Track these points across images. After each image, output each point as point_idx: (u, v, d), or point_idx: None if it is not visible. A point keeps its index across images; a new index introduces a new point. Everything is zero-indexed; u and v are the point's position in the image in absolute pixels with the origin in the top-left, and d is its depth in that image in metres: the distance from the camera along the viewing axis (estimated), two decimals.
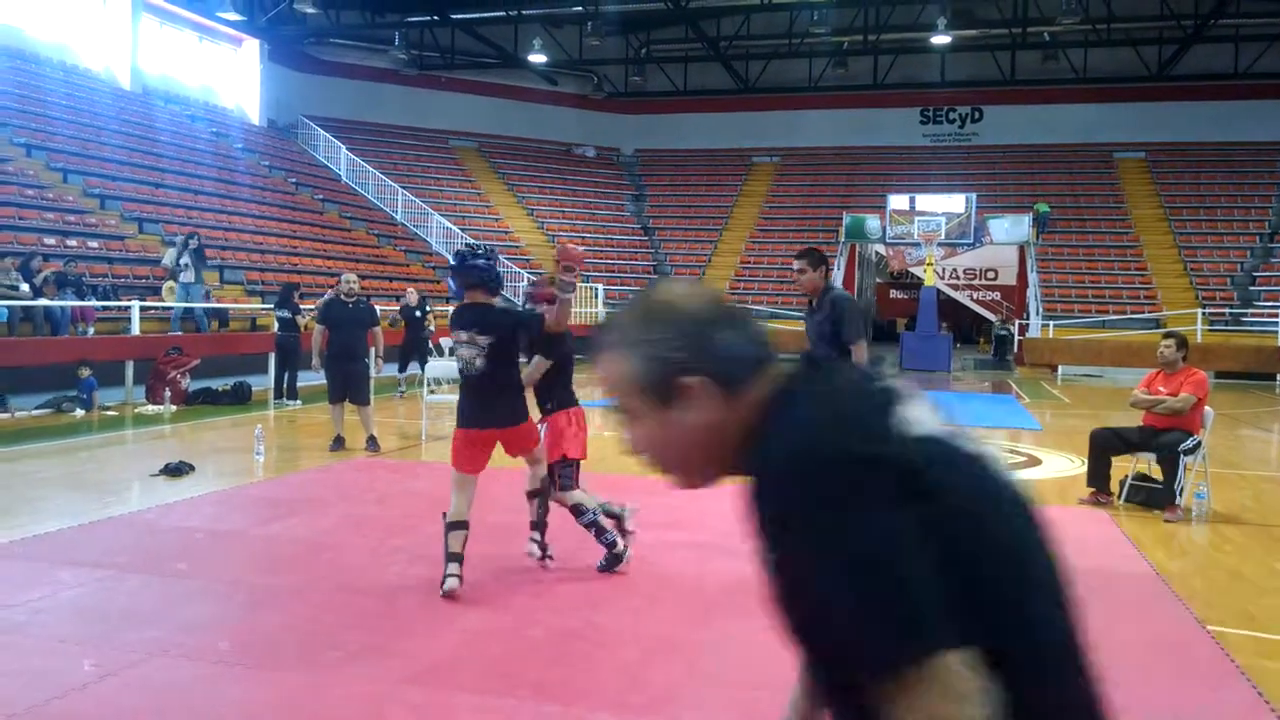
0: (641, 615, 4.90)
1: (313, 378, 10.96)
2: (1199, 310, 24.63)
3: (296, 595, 5.11)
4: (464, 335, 5.06)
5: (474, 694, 3.89)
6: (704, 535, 6.66)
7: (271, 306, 15.50)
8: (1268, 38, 29.89)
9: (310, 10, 27.18)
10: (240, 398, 13.77)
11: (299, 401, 13.75)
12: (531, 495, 5.70)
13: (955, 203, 28.77)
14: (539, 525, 5.71)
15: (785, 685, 3.96)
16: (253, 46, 29.52)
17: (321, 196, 26.73)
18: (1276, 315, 23.60)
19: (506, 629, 4.60)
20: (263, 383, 14.95)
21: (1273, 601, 5.39)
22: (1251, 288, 26.31)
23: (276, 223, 22.81)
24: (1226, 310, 25.40)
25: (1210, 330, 24.02)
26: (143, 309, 14.42)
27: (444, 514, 5.18)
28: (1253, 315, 24.97)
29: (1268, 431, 14.13)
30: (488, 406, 5.18)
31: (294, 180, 26.56)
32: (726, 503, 5.79)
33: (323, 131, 29.83)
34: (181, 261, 15.15)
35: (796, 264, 6.25)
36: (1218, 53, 30.51)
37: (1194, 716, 3.82)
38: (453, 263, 5.02)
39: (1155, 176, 31.50)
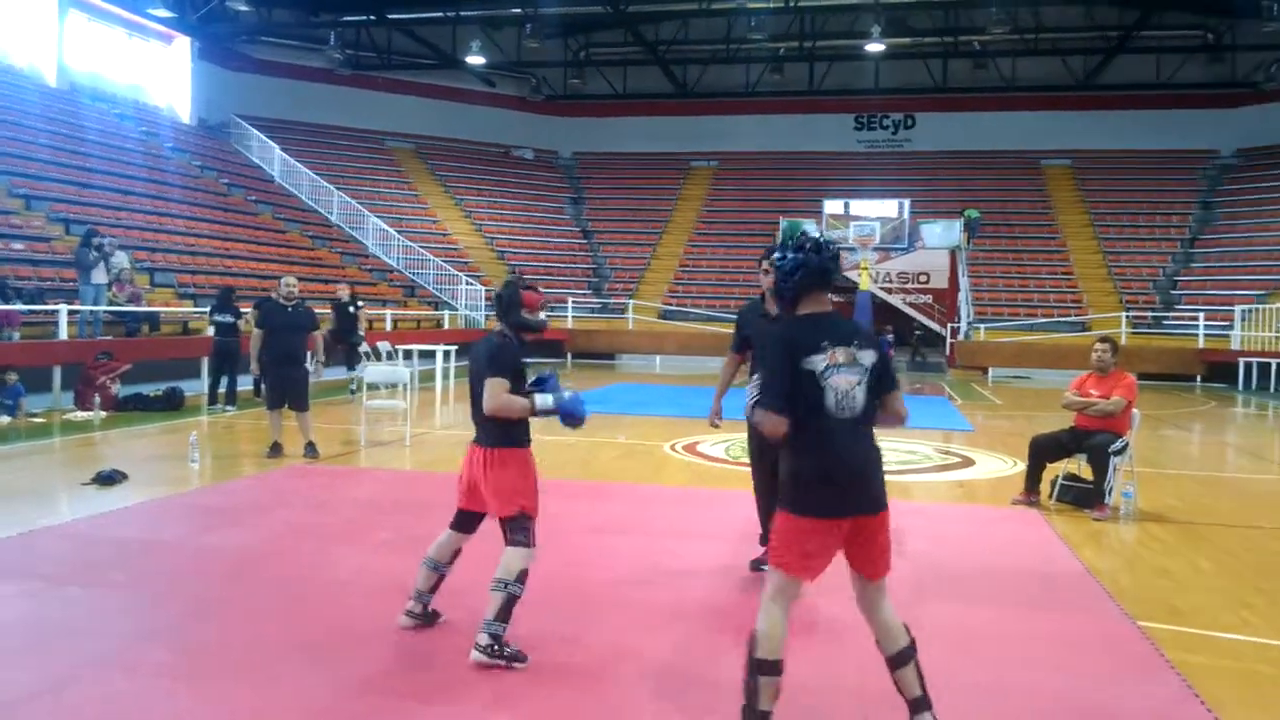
0: (592, 623, 4.92)
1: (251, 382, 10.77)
2: (1123, 314, 25.40)
3: (239, 605, 5.04)
4: (840, 354, 3.41)
5: (428, 704, 3.89)
6: (656, 540, 6.71)
7: (205, 310, 15.22)
8: (1188, 49, 30.90)
9: (243, 7, 26.78)
10: (173, 403, 13.48)
11: (234, 407, 13.52)
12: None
13: (889, 208, 29.28)
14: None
15: (736, 693, 3.95)
16: (183, 44, 28.95)
17: (254, 197, 26.28)
18: (1196, 319, 24.43)
19: (461, 637, 4.58)
20: (195, 388, 14.68)
21: (1198, 597, 5.59)
22: (1173, 291, 27.18)
23: (208, 224, 22.38)
24: (1149, 313, 26.22)
25: (1133, 333, 24.77)
26: (71, 313, 14.05)
27: (751, 646, 3.42)
28: (1174, 318, 25.81)
29: (1188, 431, 14.61)
30: (870, 473, 3.49)
31: (226, 181, 26.08)
32: (671, 510, 5.78)
33: (255, 131, 29.34)
34: (92, 257, 14.66)
35: (764, 263, 5.39)
36: (1141, 63, 31.48)
37: (1127, 710, 3.96)
38: (796, 256, 3.52)
39: (1081, 183, 32.37)
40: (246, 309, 14.22)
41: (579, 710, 3.86)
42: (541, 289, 4.75)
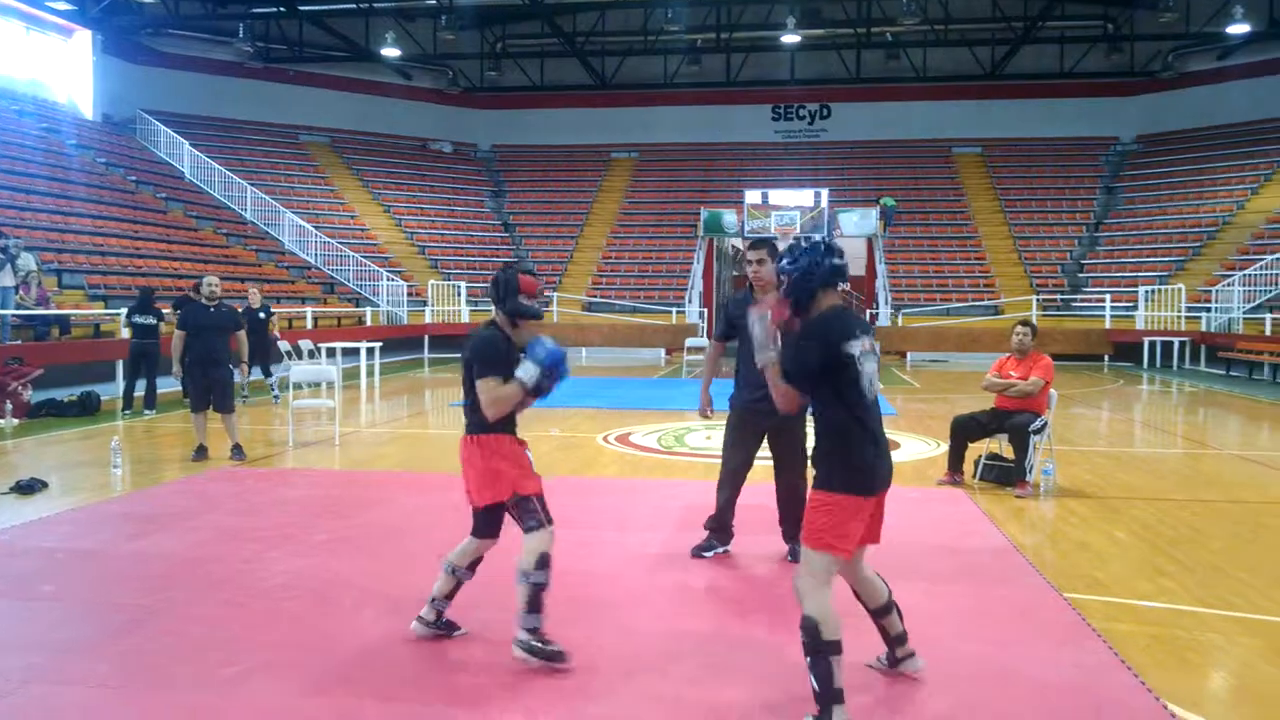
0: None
1: (172, 384, 10.53)
2: (1033, 297, 26.19)
3: (177, 612, 4.95)
4: (867, 342, 3.72)
5: (381, 701, 3.89)
6: (594, 532, 6.77)
7: (118, 311, 14.79)
8: (1090, 39, 31.91)
9: (147, 0, 25.94)
10: (88, 408, 13.09)
11: (154, 411, 13.18)
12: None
13: (807, 197, 29.72)
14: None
15: (684, 677, 4.07)
16: (85, 37, 27.96)
17: (164, 195, 25.58)
18: (1103, 300, 25.32)
19: (405, 634, 4.58)
20: (111, 392, 14.28)
21: (1117, 568, 5.85)
22: (1080, 275, 28.11)
23: (117, 223, 21.73)
24: (1058, 296, 27.07)
25: (1043, 315, 25.54)
26: None
27: (814, 632, 3.52)
28: (1081, 301, 26.71)
29: (1098, 409, 15.16)
30: (887, 451, 3.83)
31: (134, 178, 25.33)
32: (608, 501, 5.84)
33: (163, 127, 28.52)
34: None
35: (754, 254, 5.54)
36: (1045, 53, 32.38)
37: (1059, 678, 4.14)
38: (806, 262, 3.74)
39: (991, 170, 33.23)
40: (167, 310, 13.87)
41: (524, 699, 3.90)
42: (539, 276, 4.64)
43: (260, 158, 30.92)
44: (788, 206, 29.43)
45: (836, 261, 3.76)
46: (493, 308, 4.46)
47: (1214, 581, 5.58)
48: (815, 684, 3.53)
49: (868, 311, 28.79)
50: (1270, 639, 4.64)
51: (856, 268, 32.62)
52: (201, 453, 9.47)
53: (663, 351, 26.10)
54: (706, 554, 5.98)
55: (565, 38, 31.96)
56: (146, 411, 13.15)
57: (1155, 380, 20.51)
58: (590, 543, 6.39)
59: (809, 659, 3.53)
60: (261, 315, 14.97)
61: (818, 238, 3.90)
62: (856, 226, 29.53)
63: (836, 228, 29.28)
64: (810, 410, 3.85)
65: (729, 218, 29.68)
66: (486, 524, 4.41)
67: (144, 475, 8.92)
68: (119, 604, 5.11)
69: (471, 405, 4.30)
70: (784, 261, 3.82)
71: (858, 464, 3.65)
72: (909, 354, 25.24)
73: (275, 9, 28.79)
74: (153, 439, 11.30)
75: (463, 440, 4.36)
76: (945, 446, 8.82)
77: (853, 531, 3.63)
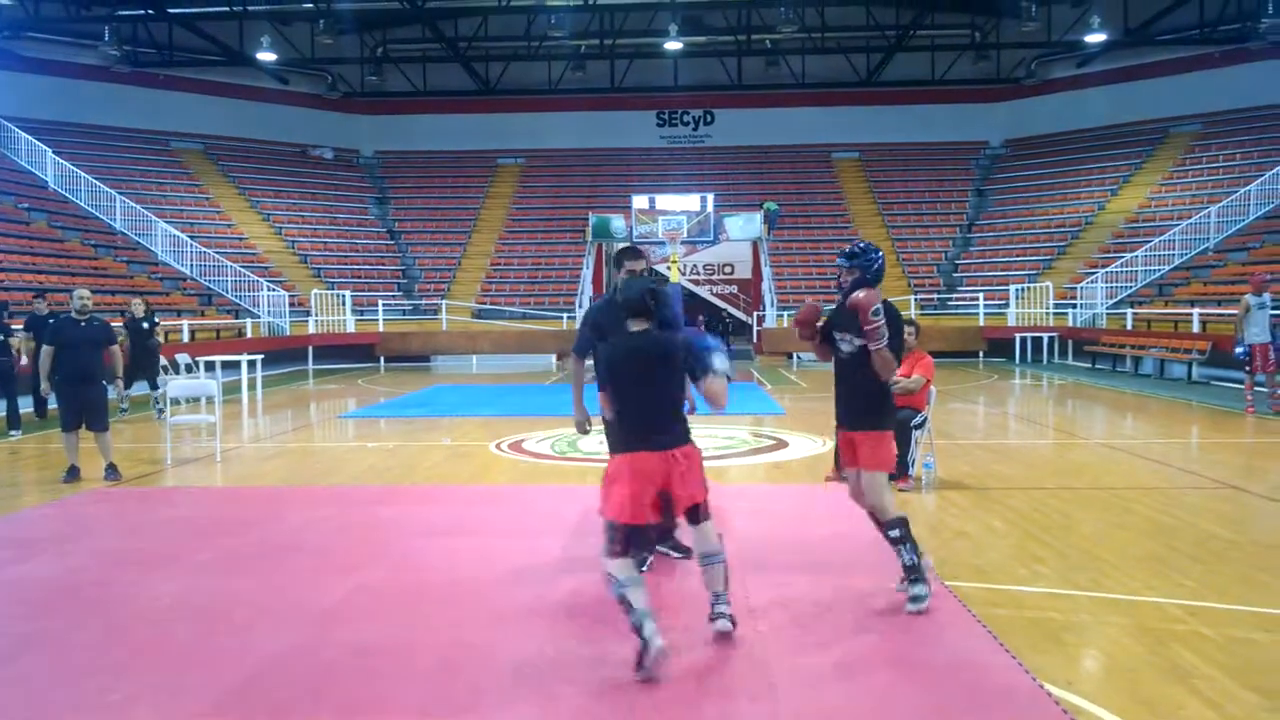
0: (435, 624, 4.92)
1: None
2: (911, 296, 27.04)
3: (58, 640, 4.76)
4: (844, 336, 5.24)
5: (276, 717, 3.81)
6: (492, 540, 6.74)
7: None
8: (958, 47, 33.16)
9: (4, 1, 24.70)
10: None
11: (19, 432, 12.56)
12: None
13: (693, 202, 30.08)
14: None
15: (585, 682, 4.12)
16: None
17: (27, 205, 24.38)
18: (977, 299, 26.32)
19: (300, 650, 4.50)
20: None
21: (995, 556, 6.13)
22: (955, 274, 29.16)
23: None
24: (935, 295, 28.03)
25: (921, 314, 26.36)
26: None
27: (905, 523, 5.11)
28: (957, 300, 27.71)
29: (974, 404, 15.76)
30: None
31: None
32: (503, 509, 5.88)
33: (24, 134, 27.14)
34: None
35: (635, 264, 5.86)
36: (917, 61, 33.53)
37: (943, 662, 4.33)
38: (877, 256, 5.32)
39: (869, 174, 34.19)
40: (18, 326, 13.23)
41: (428, 709, 3.88)
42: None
43: (130, 165, 29.69)
44: (674, 211, 29.72)
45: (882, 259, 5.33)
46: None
47: (1085, 565, 5.88)
48: (910, 558, 4.95)
49: (754, 314, 29.29)
50: (1136, 617, 4.93)
51: (743, 270, 33.20)
52: (73, 474, 9.06)
53: (554, 358, 26.05)
54: (643, 569, 5.94)
55: (448, 43, 31.66)
56: (12, 433, 12.52)
57: (1027, 375, 21.43)
58: (489, 551, 6.37)
59: (903, 544, 4.97)
60: (145, 325, 14.52)
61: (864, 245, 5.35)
62: (741, 230, 30.03)
63: (723, 232, 29.72)
64: (844, 372, 5.24)
65: (617, 223, 29.81)
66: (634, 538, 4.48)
67: (10, 500, 8.51)
68: None
69: (676, 412, 4.50)
70: (856, 261, 5.20)
71: (892, 408, 5.41)
72: (796, 355, 25.77)
73: (142, 11, 27.76)
74: (18, 460, 10.77)
75: (679, 452, 4.38)
76: (833, 444, 9.04)
77: (844, 457, 5.29)
